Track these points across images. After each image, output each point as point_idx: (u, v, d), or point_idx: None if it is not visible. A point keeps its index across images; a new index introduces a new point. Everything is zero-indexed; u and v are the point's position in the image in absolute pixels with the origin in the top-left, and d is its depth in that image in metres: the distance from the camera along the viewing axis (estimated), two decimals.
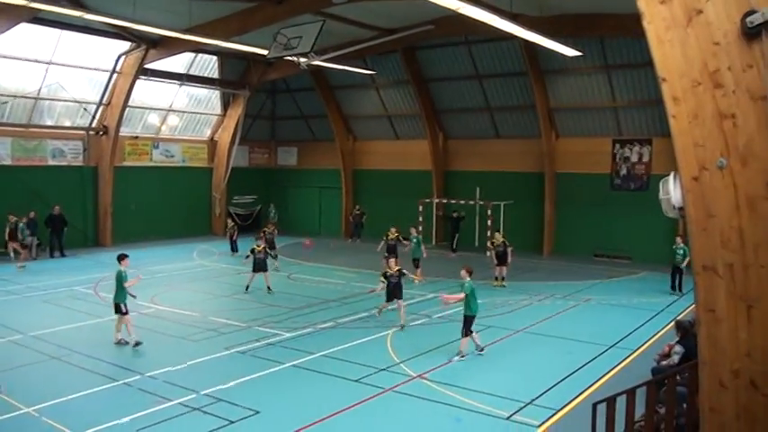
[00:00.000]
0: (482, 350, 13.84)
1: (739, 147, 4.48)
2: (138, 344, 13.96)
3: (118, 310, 14.14)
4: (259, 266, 20.20)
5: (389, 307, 16.40)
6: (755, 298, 4.53)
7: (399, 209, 32.20)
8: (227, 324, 16.18)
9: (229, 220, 30.27)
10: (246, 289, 20.12)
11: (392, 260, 16.53)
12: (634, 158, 27.66)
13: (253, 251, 20.35)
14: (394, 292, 16.05)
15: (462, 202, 30.38)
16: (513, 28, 18.57)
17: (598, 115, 28.25)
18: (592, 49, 25.74)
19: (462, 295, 13.75)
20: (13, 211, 25.47)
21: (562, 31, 22.48)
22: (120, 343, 14.16)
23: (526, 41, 22.74)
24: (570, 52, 22.16)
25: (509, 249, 21.95)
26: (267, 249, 20.73)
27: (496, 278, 21.75)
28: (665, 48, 4.69)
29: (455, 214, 30.45)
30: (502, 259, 21.75)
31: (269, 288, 20.12)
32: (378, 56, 31.03)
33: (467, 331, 13.54)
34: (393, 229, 23.47)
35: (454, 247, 30.02)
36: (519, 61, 28.11)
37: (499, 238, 22.30)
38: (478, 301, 14.08)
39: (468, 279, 13.93)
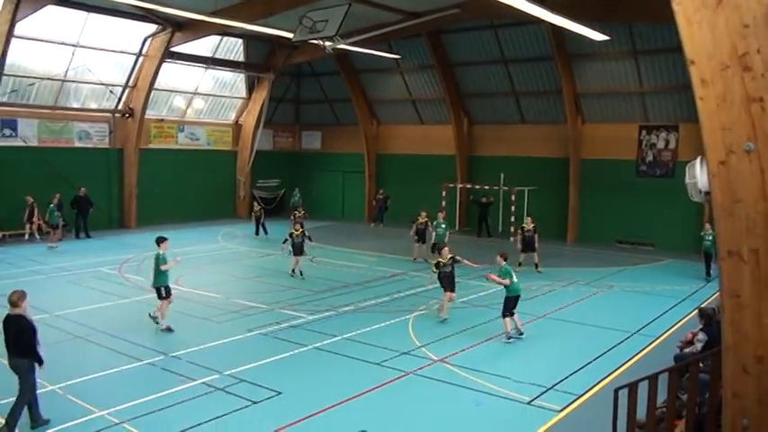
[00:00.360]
0: (521, 333, 13.92)
1: (767, 131, 4.42)
2: (168, 329, 13.95)
3: (159, 294, 14.10)
4: (298, 250, 20.15)
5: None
6: None
7: (423, 194, 32.12)
8: (250, 306, 16.32)
9: (255, 204, 30.37)
10: (293, 272, 20.08)
11: (445, 248, 16.04)
12: (660, 145, 27.34)
13: (291, 235, 20.32)
14: (447, 282, 15.43)
15: (486, 187, 30.27)
16: (540, 12, 18.36)
17: (625, 101, 27.93)
18: (619, 33, 25.38)
19: (507, 281, 13.85)
20: (32, 192, 25.81)
21: (589, 15, 22.19)
22: (167, 329, 13.94)
23: (553, 26, 22.47)
24: (598, 37, 21.89)
25: (536, 235, 21.79)
26: (305, 233, 20.57)
27: (520, 264, 21.57)
28: (694, 30, 4.63)
29: (484, 199, 30.30)
30: (530, 245, 21.60)
31: (300, 273, 20.06)
32: (403, 40, 30.86)
33: (508, 312, 13.78)
34: (423, 213, 23.41)
35: (489, 232, 29.96)
36: (546, 46, 27.84)
37: (530, 223, 22.07)
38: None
39: (504, 264, 14.07)
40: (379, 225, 33.61)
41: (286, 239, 20.45)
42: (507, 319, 13.77)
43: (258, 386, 10.66)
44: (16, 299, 9.02)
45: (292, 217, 24.08)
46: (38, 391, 9.32)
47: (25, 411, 8.87)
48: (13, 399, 8.82)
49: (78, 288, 17.96)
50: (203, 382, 10.80)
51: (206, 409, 9.67)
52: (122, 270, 20.53)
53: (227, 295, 17.45)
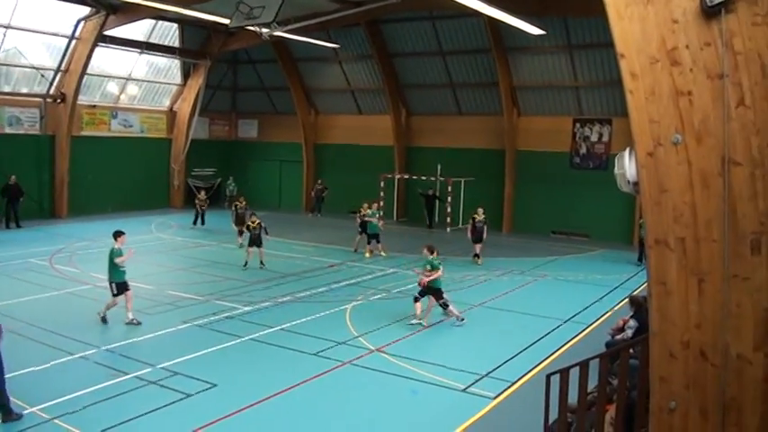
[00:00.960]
0: (463, 320, 14.29)
1: (695, 124, 4.54)
2: (104, 320, 13.54)
3: (111, 290, 13.62)
4: (255, 241, 19.84)
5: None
6: (706, 271, 4.63)
7: (361, 184, 32.12)
8: (185, 297, 16.06)
9: (203, 193, 29.65)
10: (245, 265, 19.74)
11: (425, 249, 14.91)
12: (594, 138, 27.95)
13: (248, 227, 20.04)
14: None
15: (424, 178, 30.45)
16: (477, 4, 18.50)
17: (559, 94, 28.45)
18: (555, 28, 25.84)
19: (438, 273, 14.10)
20: None
21: (526, 9, 22.49)
22: (132, 323, 13.54)
23: (491, 18, 22.66)
24: (534, 30, 22.23)
25: (485, 226, 21.87)
26: (262, 225, 20.27)
27: (476, 255, 21.75)
28: (625, 23, 4.72)
29: (430, 192, 30.40)
30: (479, 236, 21.71)
31: (262, 263, 19.78)
32: (341, 29, 30.72)
33: (443, 301, 14.18)
34: (365, 205, 23.27)
35: (430, 224, 30.11)
36: (483, 38, 28.11)
37: (481, 214, 22.02)
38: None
39: (431, 256, 14.26)
40: (317, 215, 33.49)
41: (241, 231, 20.12)
42: (418, 303, 14.13)
43: (193, 379, 10.51)
44: None
45: (233, 207, 23.75)
46: None
47: None
48: None
49: (8, 280, 17.30)
50: (136, 376, 10.58)
51: (139, 404, 9.48)
52: (53, 261, 19.92)
53: (161, 287, 17.11)
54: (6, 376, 9.52)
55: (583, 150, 28.26)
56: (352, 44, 32.12)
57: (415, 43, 30.36)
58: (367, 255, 22.23)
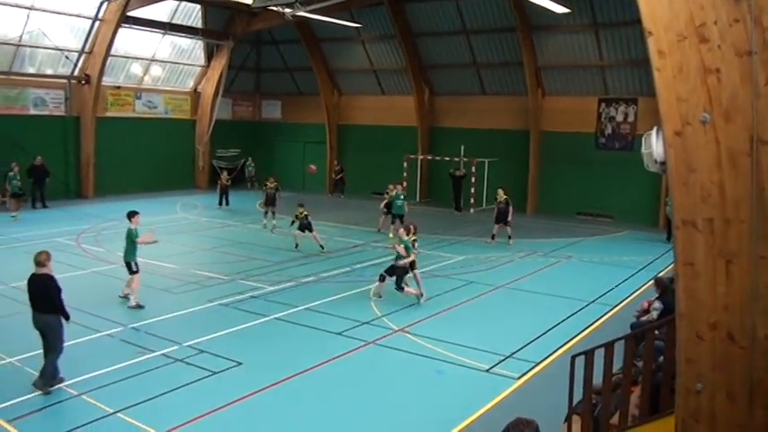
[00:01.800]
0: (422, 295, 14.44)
1: (723, 102, 4.47)
2: (138, 306, 13.57)
3: (129, 269, 13.81)
4: (304, 227, 19.94)
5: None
6: (734, 253, 4.58)
7: (384, 165, 32.09)
8: (210, 277, 16.20)
9: (225, 173, 29.96)
10: (296, 246, 19.87)
11: (402, 230, 15.25)
12: (619, 118, 27.63)
13: (296, 217, 20.17)
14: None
15: (447, 158, 30.32)
16: None
17: (585, 74, 28.11)
18: (581, 6, 25.52)
19: (411, 258, 14.39)
20: None
21: None
22: (136, 306, 13.59)
23: None
24: (559, 9, 21.98)
25: (510, 208, 21.69)
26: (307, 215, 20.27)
27: (493, 236, 21.66)
28: (652, 0, 4.64)
29: (457, 172, 29.85)
30: (502, 217, 21.62)
31: (321, 247, 19.77)
32: (364, 8, 30.59)
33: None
34: (391, 186, 23.24)
35: (458, 206, 29.61)
36: (507, 17, 27.83)
37: (502, 194, 21.95)
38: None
39: (407, 237, 14.43)
40: (339, 196, 33.58)
41: (293, 221, 20.28)
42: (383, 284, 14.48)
43: (219, 357, 10.63)
44: (43, 259, 9.32)
45: (264, 188, 24.02)
46: None
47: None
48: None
49: None
50: (163, 354, 10.73)
51: (166, 381, 9.61)
52: (80, 241, 20.18)
53: (186, 266, 17.29)
54: (33, 353, 9.79)
55: (608, 131, 27.95)
56: (374, 24, 31.95)
57: (438, 22, 30.13)
58: (391, 235, 22.23)
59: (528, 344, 11.63)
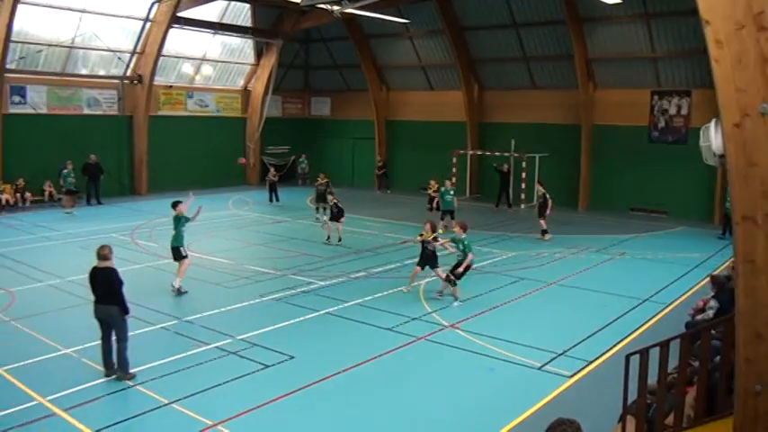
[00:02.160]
0: (441, 294, 14.36)
1: None
2: (181, 292, 14.20)
3: (178, 254, 14.44)
4: (333, 216, 20.34)
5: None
6: None
7: (433, 160, 32.02)
8: (262, 272, 16.41)
9: (273, 170, 30.40)
10: (327, 239, 20.36)
11: (428, 225, 15.35)
12: (672, 111, 27.02)
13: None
14: (428, 259, 14.94)
15: (497, 153, 30.09)
16: None
17: (637, 66, 27.56)
18: None
19: (470, 257, 14.00)
20: (44, 159, 26.42)
21: None
22: (179, 292, 14.22)
23: None
24: None
25: (549, 202, 21.45)
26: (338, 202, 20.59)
27: (544, 232, 21.47)
28: None
29: (505, 167, 29.38)
30: (538, 211, 21.55)
31: (339, 239, 20.20)
32: (412, 4, 30.52)
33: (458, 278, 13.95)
34: (432, 182, 23.26)
35: (509, 202, 29.16)
36: (557, 9, 27.45)
37: (540, 190, 21.91)
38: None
39: (464, 235, 14.03)
40: (387, 191, 33.68)
41: (318, 208, 20.57)
42: (456, 287, 13.99)
43: (271, 350, 10.76)
44: (106, 252, 9.75)
45: (315, 184, 24.37)
46: (52, 355, 9.80)
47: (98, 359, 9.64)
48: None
49: (90, 254, 17.88)
50: (216, 347, 10.92)
51: (219, 373, 9.78)
52: (134, 236, 20.63)
53: (239, 261, 17.55)
54: (89, 344, 10.14)
55: (661, 124, 27.37)
56: (422, 19, 31.86)
57: (487, 16, 29.89)
58: (440, 230, 22.12)
59: (581, 342, 11.48)
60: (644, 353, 6.81)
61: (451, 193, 22.53)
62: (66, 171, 25.62)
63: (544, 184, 22.26)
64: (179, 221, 14.49)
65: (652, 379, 6.81)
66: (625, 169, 28.07)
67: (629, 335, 11.93)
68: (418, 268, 14.96)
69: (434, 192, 22.79)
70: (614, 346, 11.28)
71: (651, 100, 27.49)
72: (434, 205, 22.79)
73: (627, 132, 27.87)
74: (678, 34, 25.51)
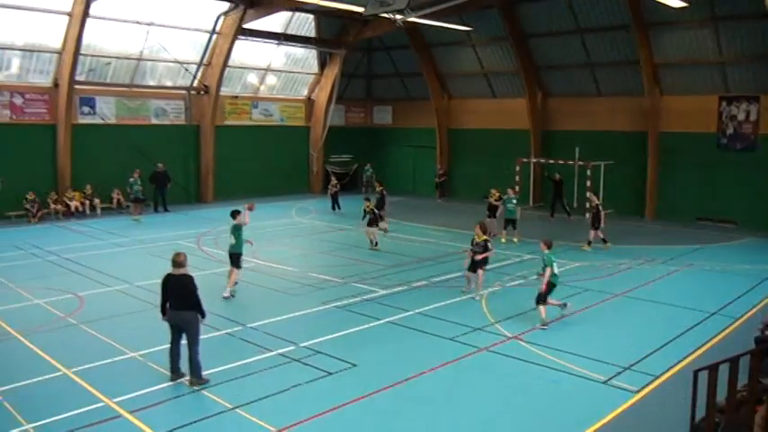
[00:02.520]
0: (565, 305, 13.86)
1: None
2: (232, 296, 14.80)
3: (237, 261, 15.06)
4: (372, 220, 21.03)
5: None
6: None
7: (496, 168, 31.84)
8: (325, 280, 16.60)
9: (334, 179, 30.85)
10: (374, 244, 20.84)
11: (478, 227, 15.43)
12: (741, 117, 26.22)
13: (365, 211, 21.18)
14: (475, 262, 15.02)
15: (561, 162, 29.69)
16: None
17: (704, 71, 26.85)
18: None
19: (548, 272, 13.09)
20: (111, 168, 27.57)
21: None
22: (230, 297, 14.83)
23: None
24: (676, 3, 21.08)
25: (602, 213, 21.11)
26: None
27: (589, 242, 21.25)
28: None
29: (557, 176, 29.00)
30: (592, 223, 21.25)
31: (375, 244, 20.86)
32: (475, 11, 30.45)
33: (544, 300, 13.15)
34: (493, 190, 23.15)
35: (567, 211, 28.84)
36: (622, 14, 26.99)
37: (594, 200, 21.72)
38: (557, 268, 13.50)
39: (547, 252, 13.34)
40: (443, 200, 33.91)
41: (364, 216, 21.05)
42: (542, 307, 13.10)
43: (334, 358, 10.89)
44: (182, 259, 10.04)
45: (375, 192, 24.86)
46: (119, 358, 10.29)
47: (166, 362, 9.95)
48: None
49: (158, 260, 18.57)
50: (280, 353, 11.10)
51: (283, 379, 9.95)
52: (200, 243, 21.12)
53: (303, 269, 17.79)
54: (156, 348, 10.63)
55: (729, 130, 26.59)
56: (485, 26, 31.76)
57: (551, 22, 29.63)
58: (503, 240, 22.08)
59: (647, 356, 11.25)
60: (712, 369, 6.66)
61: (514, 201, 22.37)
62: (132, 180, 26.44)
63: (597, 194, 21.95)
64: (239, 230, 15.03)
65: (721, 396, 6.66)
66: (692, 178, 27.39)
67: (697, 350, 11.63)
68: (470, 273, 15.11)
69: (496, 200, 22.62)
70: (681, 361, 11.01)
71: (719, 106, 26.75)
72: (496, 214, 22.66)
73: (694, 139, 27.20)
74: (746, 38, 24.83)
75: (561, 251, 20.80)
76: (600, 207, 21.30)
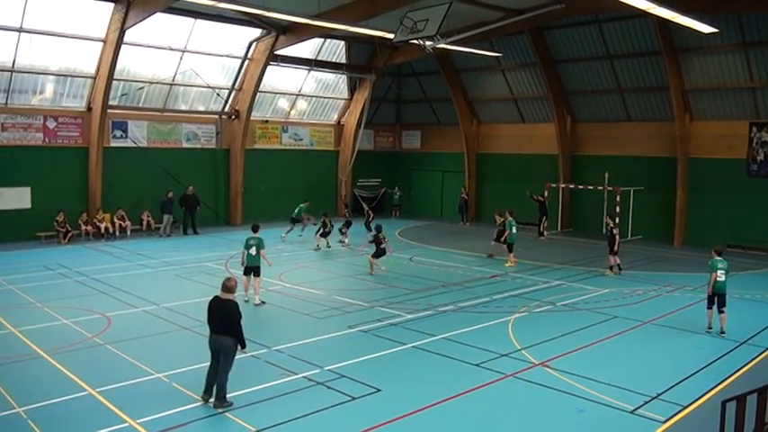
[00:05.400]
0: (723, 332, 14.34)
1: None
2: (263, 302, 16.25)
3: (259, 272, 16.38)
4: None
5: None
6: None
7: (524, 193, 31.73)
8: (351, 303, 16.63)
9: (365, 205, 31.10)
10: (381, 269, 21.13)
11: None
12: None
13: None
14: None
15: (590, 187, 29.58)
16: (646, 4, 17.84)
17: (734, 96, 26.67)
18: (729, 25, 24.34)
19: (714, 276, 14.33)
20: (142, 190, 28.18)
21: (697, 7, 21.36)
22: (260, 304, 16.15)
23: (659, 18, 21.74)
24: (706, 29, 21.01)
25: (616, 237, 20.95)
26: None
27: (611, 267, 21.10)
28: None
29: (541, 197, 29.94)
30: (609, 247, 21.09)
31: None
32: (504, 37, 30.63)
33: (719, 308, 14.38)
34: (497, 216, 23.52)
35: (541, 230, 29.60)
36: (652, 40, 26.97)
37: (608, 223, 21.80)
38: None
39: (716, 257, 14.54)
40: (466, 223, 33.85)
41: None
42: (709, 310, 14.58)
43: (358, 382, 10.87)
44: (232, 285, 10.11)
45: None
46: (145, 378, 10.39)
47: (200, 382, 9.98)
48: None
49: (186, 282, 18.81)
50: (304, 377, 11.11)
51: (307, 403, 9.94)
52: (228, 265, 21.29)
53: (329, 292, 17.84)
54: (181, 370, 10.73)
55: (760, 157, 26.28)
56: (514, 52, 31.90)
57: (580, 48, 29.67)
58: (508, 264, 22.22)
59: (675, 385, 11.08)
60: (741, 399, 6.58)
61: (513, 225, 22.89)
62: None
63: (614, 218, 21.90)
64: (259, 244, 16.36)
65: (749, 428, 6.56)
66: (722, 204, 27.10)
67: (726, 379, 11.44)
68: None
69: (500, 224, 23.10)
70: (710, 390, 10.83)
71: (750, 132, 26.49)
72: (502, 239, 22.92)
73: (724, 165, 26.95)
74: None
75: (591, 276, 20.69)
76: (613, 230, 21.16)
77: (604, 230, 21.56)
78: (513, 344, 13.41)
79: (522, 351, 12.91)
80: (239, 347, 9.89)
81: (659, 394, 10.62)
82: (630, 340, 13.97)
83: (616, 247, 20.89)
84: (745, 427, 6.50)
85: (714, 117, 27.45)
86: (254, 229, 16.86)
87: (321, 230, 25.40)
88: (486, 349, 12.89)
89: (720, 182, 27.10)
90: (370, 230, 28.96)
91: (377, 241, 20.75)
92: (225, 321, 9.78)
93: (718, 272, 14.23)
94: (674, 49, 26.57)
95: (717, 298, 14.34)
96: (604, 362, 12.45)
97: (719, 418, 6.76)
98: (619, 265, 21.08)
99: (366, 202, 30.75)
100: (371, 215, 29.53)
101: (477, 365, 11.96)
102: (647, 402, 10.27)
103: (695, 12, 20.41)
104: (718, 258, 14.45)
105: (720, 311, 14.31)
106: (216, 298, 10.06)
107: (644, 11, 19.05)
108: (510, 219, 22.92)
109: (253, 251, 16.23)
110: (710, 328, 14.49)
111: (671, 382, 11.15)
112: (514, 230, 22.66)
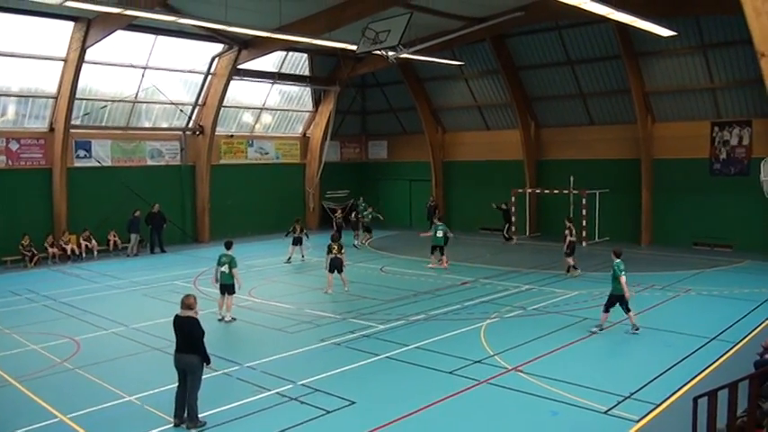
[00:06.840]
0: (637, 329, 14.53)
1: None
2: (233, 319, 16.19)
3: (233, 290, 16.27)
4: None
5: None
6: None
7: (490, 200, 31.86)
8: (323, 316, 16.52)
9: (339, 212, 30.91)
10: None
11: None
12: (734, 142, 26.42)
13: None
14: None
15: (557, 191, 29.84)
16: (605, 10, 18.05)
17: (695, 97, 27.15)
18: (687, 28, 24.76)
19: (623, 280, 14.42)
20: (107, 210, 27.80)
21: (656, 11, 21.72)
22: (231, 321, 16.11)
23: (619, 23, 22.05)
24: (665, 32, 21.36)
25: (567, 239, 21.45)
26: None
27: (567, 269, 21.53)
28: (763, 20, 4.53)
29: (503, 206, 30.35)
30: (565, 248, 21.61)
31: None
32: (466, 46, 30.81)
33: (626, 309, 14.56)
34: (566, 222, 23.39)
35: (507, 235, 30.14)
36: (612, 44, 27.37)
37: (566, 224, 22.04)
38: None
39: (617, 260, 14.66)
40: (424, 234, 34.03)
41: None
42: (605, 314, 14.69)
43: (332, 395, 10.79)
44: (191, 302, 10.01)
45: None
46: (116, 402, 10.21)
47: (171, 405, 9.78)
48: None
49: (155, 301, 18.53)
50: (277, 392, 10.99)
51: (280, 419, 9.83)
52: (197, 283, 21.06)
53: (300, 306, 17.72)
54: (153, 391, 10.52)
55: (722, 155, 26.77)
56: (477, 60, 32.13)
57: (541, 55, 29.98)
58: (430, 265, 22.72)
59: (647, 384, 11.17)
60: (712, 395, 6.64)
61: (440, 229, 23.66)
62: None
63: (573, 220, 22.47)
64: (231, 261, 16.20)
65: (721, 423, 6.62)
66: (687, 203, 27.54)
67: (697, 376, 11.57)
68: None
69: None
70: (681, 388, 10.93)
71: (711, 131, 26.97)
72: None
73: (688, 165, 27.40)
74: (736, 64, 25.14)
75: (560, 279, 20.83)
76: (566, 233, 21.55)
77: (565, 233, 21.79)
78: (485, 350, 13.42)
79: (495, 357, 12.92)
80: (205, 364, 9.76)
81: (632, 394, 10.70)
82: (602, 341, 14.07)
83: (567, 248, 21.31)
84: (717, 423, 6.56)
85: (676, 118, 27.90)
86: (227, 246, 16.71)
87: (289, 235, 25.58)
88: (459, 356, 12.89)
89: (684, 181, 27.52)
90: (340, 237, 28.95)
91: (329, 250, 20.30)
92: (188, 339, 9.69)
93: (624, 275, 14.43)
94: (634, 52, 26.97)
95: (620, 300, 14.51)
96: (577, 364, 12.52)
97: (692, 415, 6.80)
98: (574, 265, 21.45)
99: (340, 211, 30.71)
100: (342, 226, 29.42)
101: (450, 373, 11.94)
102: (620, 402, 10.34)
103: (654, 16, 20.70)
104: (619, 260, 14.62)
105: (627, 311, 14.54)
106: (177, 316, 9.97)
107: (603, 16, 19.29)
108: (438, 223, 24.26)
109: (225, 269, 16.14)
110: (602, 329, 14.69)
111: (643, 381, 11.24)
112: (439, 234, 23.48)
